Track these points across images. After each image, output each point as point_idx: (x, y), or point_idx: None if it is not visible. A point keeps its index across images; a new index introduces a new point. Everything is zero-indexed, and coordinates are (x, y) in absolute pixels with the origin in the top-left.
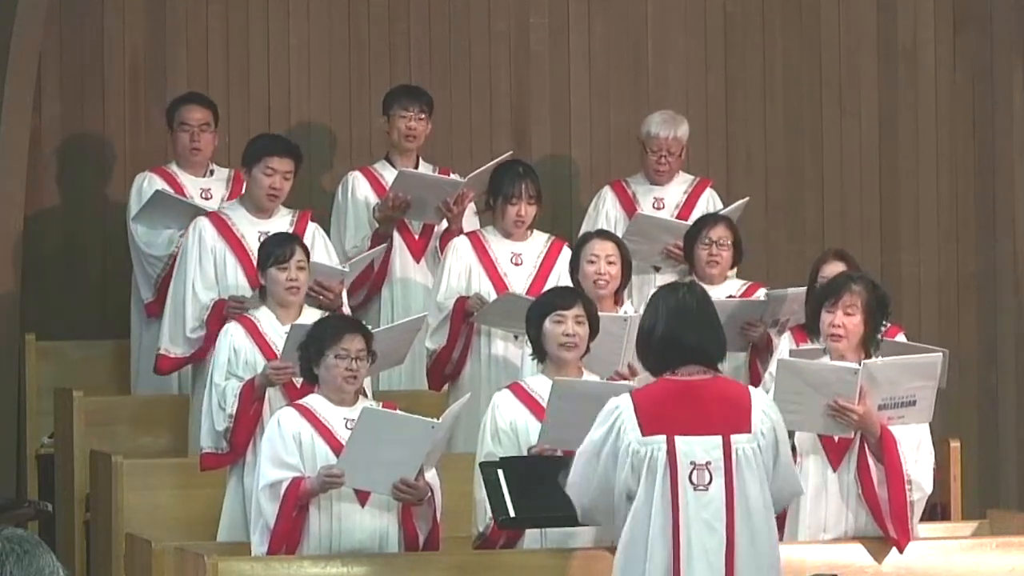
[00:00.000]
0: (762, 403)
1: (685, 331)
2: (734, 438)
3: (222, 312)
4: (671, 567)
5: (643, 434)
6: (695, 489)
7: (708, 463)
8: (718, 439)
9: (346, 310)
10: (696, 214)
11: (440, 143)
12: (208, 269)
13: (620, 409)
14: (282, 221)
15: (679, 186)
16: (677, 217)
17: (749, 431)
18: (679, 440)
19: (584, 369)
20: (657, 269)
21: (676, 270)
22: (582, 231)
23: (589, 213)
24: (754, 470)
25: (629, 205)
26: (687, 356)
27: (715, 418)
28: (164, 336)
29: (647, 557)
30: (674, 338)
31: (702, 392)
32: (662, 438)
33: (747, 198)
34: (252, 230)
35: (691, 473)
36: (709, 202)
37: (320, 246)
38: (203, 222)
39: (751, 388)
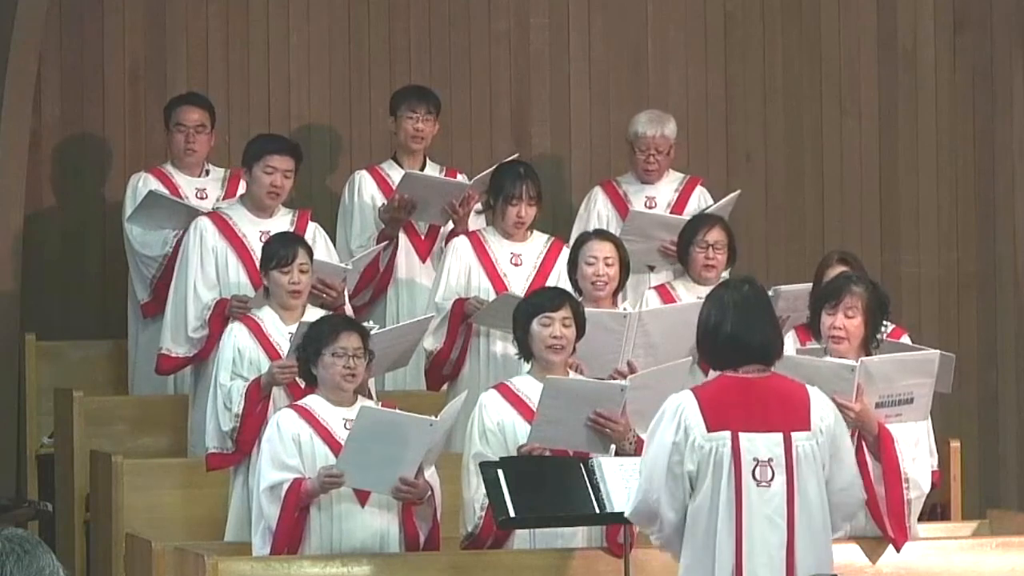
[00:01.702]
0: (820, 401)
1: (752, 330)
2: (794, 435)
3: (224, 312)
4: (734, 562)
5: (708, 430)
6: (758, 485)
7: (770, 460)
8: (779, 436)
9: (348, 309)
10: (688, 212)
11: (440, 143)
12: (209, 269)
13: (683, 406)
14: (283, 220)
15: (670, 184)
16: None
17: (808, 429)
18: (743, 437)
19: (570, 369)
20: (652, 268)
21: (672, 269)
22: (574, 232)
23: (580, 214)
24: (813, 467)
25: (620, 205)
26: (752, 355)
27: (775, 415)
28: (166, 336)
29: (715, 552)
30: (741, 337)
31: (762, 389)
32: (727, 434)
33: (738, 191)
34: (253, 229)
35: (754, 469)
36: (700, 199)
37: (321, 245)
38: (204, 222)
39: (808, 386)
